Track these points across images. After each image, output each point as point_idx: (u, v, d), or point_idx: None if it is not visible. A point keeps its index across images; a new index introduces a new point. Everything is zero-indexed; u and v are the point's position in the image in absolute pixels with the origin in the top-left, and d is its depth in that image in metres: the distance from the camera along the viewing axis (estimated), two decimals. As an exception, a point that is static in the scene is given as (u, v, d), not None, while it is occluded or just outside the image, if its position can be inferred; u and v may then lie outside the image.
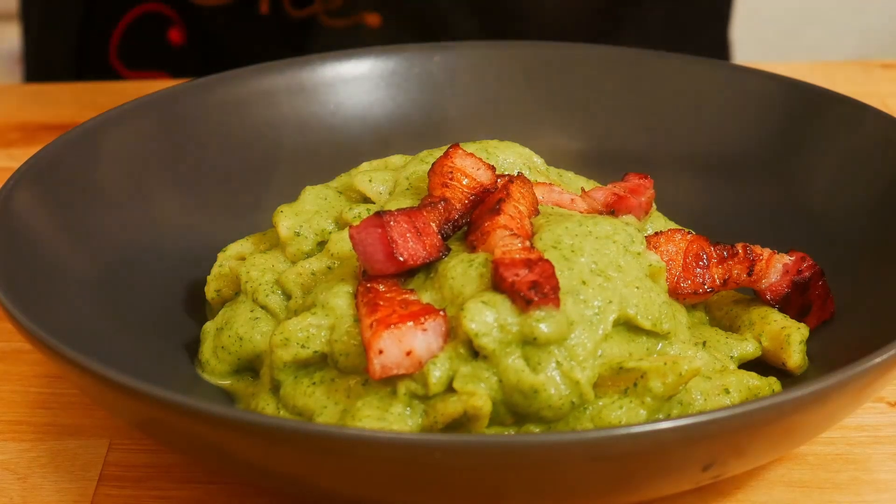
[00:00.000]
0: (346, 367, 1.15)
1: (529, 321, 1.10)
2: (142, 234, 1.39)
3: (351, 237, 1.17)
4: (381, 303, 1.13)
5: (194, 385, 1.25)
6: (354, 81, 1.59)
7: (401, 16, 2.08)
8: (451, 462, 0.97)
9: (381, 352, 1.09)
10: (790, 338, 1.23)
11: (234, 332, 1.26)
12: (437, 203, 1.22)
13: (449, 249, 1.18)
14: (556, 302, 1.11)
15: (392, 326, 1.10)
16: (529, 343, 1.10)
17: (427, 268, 1.18)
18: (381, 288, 1.16)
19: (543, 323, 1.10)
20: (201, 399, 1.03)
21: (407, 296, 1.15)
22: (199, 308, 1.35)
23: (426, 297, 1.16)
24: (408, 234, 1.17)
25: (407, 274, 1.18)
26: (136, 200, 1.42)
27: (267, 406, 1.19)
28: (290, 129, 1.56)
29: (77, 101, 1.98)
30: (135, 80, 2.12)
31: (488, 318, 1.10)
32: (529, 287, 1.10)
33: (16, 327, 1.11)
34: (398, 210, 1.18)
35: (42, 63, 2.28)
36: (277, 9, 2.08)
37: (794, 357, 1.23)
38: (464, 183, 1.24)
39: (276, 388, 1.20)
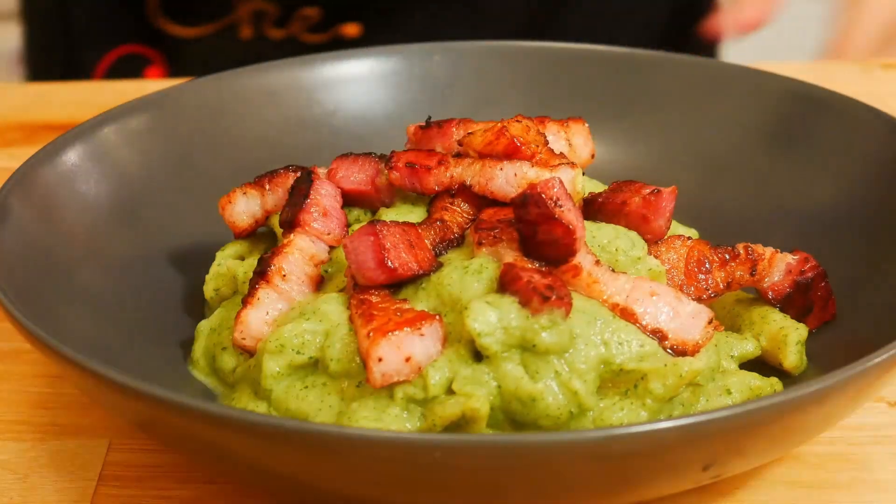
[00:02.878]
0: (338, 371, 1.15)
1: (533, 326, 1.10)
2: (142, 234, 1.39)
3: (344, 247, 1.18)
4: (376, 312, 1.13)
5: (187, 383, 1.25)
6: (354, 81, 1.60)
7: (379, 23, 2.09)
8: (451, 462, 0.97)
9: (380, 359, 1.09)
10: (787, 338, 1.23)
11: (227, 332, 1.25)
12: (435, 223, 1.23)
13: (441, 265, 1.18)
14: (569, 307, 1.11)
15: (390, 333, 1.10)
16: (529, 350, 1.10)
17: (416, 280, 1.18)
18: (374, 299, 1.16)
19: (546, 332, 1.10)
20: (195, 397, 1.03)
21: (400, 305, 1.15)
22: (199, 306, 1.36)
23: (420, 306, 1.16)
24: (400, 245, 1.17)
25: (396, 287, 1.18)
26: (135, 200, 1.42)
27: (257, 408, 1.19)
28: (290, 129, 1.56)
29: (77, 101, 1.98)
30: (134, 80, 2.12)
31: (491, 318, 1.10)
32: (546, 287, 1.10)
33: (16, 327, 1.11)
34: (392, 221, 1.19)
35: (41, 69, 2.30)
36: (258, 33, 2.10)
37: (791, 357, 1.23)
38: (463, 207, 1.25)
39: (257, 391, 1.19)
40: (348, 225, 1.29)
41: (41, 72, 2.32)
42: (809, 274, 1.27)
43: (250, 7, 2.07)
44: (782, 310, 1.27)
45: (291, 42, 2.11)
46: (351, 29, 2.09)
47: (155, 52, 2.17)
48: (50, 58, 2.28)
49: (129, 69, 2.18)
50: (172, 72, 2.20)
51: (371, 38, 2.10)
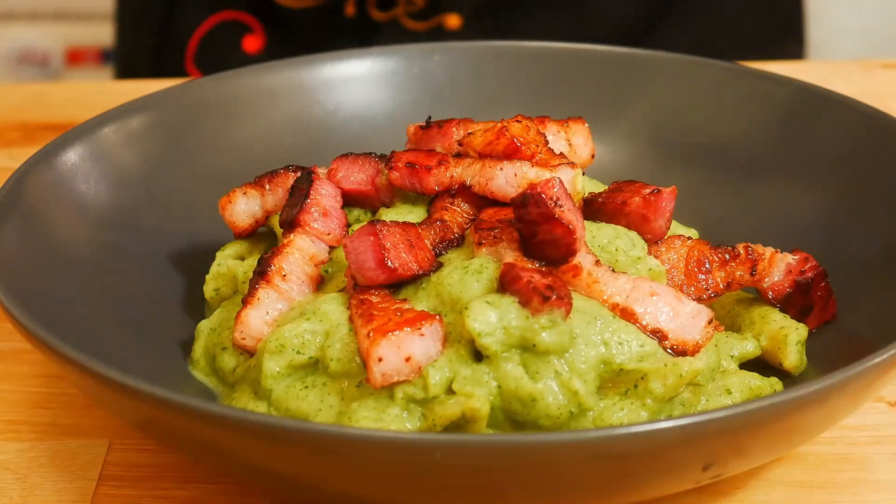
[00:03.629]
0: (338, 371, 1.15)
1: (533, 326, 1.10)
2: (142, 234, 1.39)
3: (344, 247, 1.18)
4: (376, 312, 1.13)
5: (187, 383, 1.25)
6: (354, 81, 1.60)
7: (481, 17, 2.09)
8: (451, 462, 0.97)
9: (380, 359, 1.09)
10: (787, 338, 1.23)
11: (227, 332, 1.25)
12: (435, 223, 1.23)
13: (441, 265, 1.19)
14: (570, 308, 1.11)
15: (390, 334, 1.10)
16: (529, 350, 1.10)
17: (416, 280, 1.18)
18: (374, 299, 1.16)
19: (546, 332, 1.10)
20: (195, 397, 1.03)
21: (400, 305, 1.15)
22: (199, 306, 1.36)
23: (420, 306, 1.16)
24: (400, 245, 1.17)
25: (396, 287, 1.18)
26: (135, 200, 1.42)
27: (257, 408, 1.19)
28: (290, 129, 1.56)
29: (77, 101, 1.98)
30: (135, 80, 2.12)
31: (491, 318, 1.10)
32: (546, 286, 1.10)
33: (16, 327, 1.11)
34: (392, 221, 1.19)
35: (126, 64, 2.31)
36: (362, 11, 2.10)
37: (791, 357, 1.23)
38: (463, 207, 1.25)
39: (257, 391, 1.20)
40: (348, 225, 1.29)
41: (131, 60, 2.30)
42: (809, 274, 1.27)
43: None
44: (782, 310, 1.27)
45: (393, 25, 2.11)
46: (452, 20, 2.09)
47: (255, 20, 2.16)
48: (144, 33, 2.27)
49: (226, 36, 2.17)
50: (271, 42, 2.18)
51: (470, 31, 2.10)
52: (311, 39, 2.12)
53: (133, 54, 2.30)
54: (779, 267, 1.27)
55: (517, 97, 1.59)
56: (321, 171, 1.32)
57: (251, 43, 2.15)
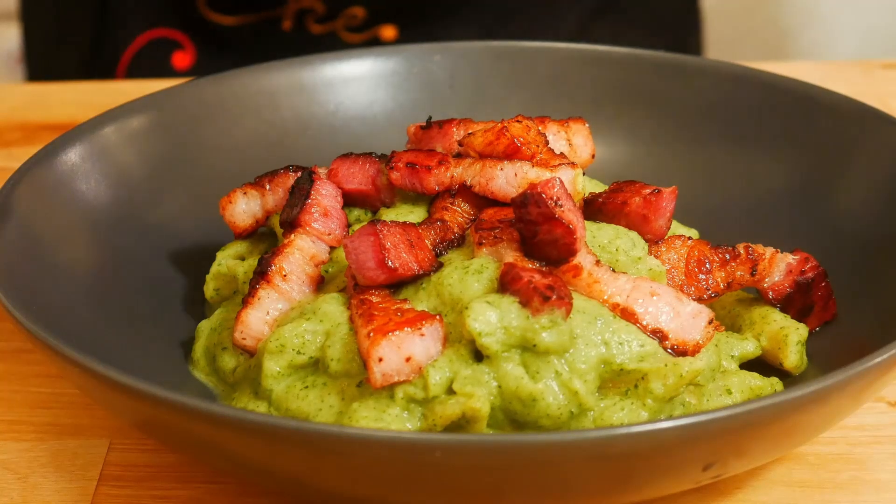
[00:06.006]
0: (338, 371, 1.15)
1: (533, 326, 1.10)
2: (142, 234, 1.39)
3: (344, 246, 1.18)
4: (376, 313, 1.13)
5: (187, 383, 1.25)
6: (354, 81, 1.60)
7: (416, 27, 2.10)
8: (451, 461, 0.97)
9: (380, 360, 1.09)
10: (788, 338, 1.23)
11: (227, 332, 1.25)
12: (435, 223, 1.23)
13: (441, 265, 1.19)
14: (570, 307, 1.11)
15: (390, 334, 1.10)
16: (529, 350, 1.10)
17: (416, 280, 1.18)
18: (375, 299, 1.16)
19: (547, 332, 1.10)
20: (195, 397, 1.03)
21: (400, 305, 1.15)
22: (199, 306, 1.36)
23: (420, 306, 1.16)
24: (400, 245, 1.17)
25: (396, 286, 1.18)
26: (136, 200, 1.42)
27: (257, 408, 1.19)
28: (290, 129, 1.56)
29: (77, 101, 1.98)
30: (134, 81, 2.12)
31: (492, 317, 1.10)
32: (547, 286, 1.10)
33: (16, 327, 1.11)
34: (392, 221, 1.19)
35: (47, 72, 2.30)
36: (299, 25, 2.10)
37: (791, 357, 1.23)
38: (463, 207, 1.25)
39: (257, 391, 1.20)
40: (349, 225, 1.29)
41: (47, 65, 2.30)
42: (810, 274, 1.27)
43: (299, 4, 2.08)
44: (783, 310, 1.27)
45: (330, 38, 2.12)
46: (388, 31, 2.10)
47: (185, 37, 2.16)
48: (59, 49, 2.27)
49: (156, 53, 2.17)
50: (202, 58, 2.18)
51: (405, 42, 2.11)
52: (243, 55, 2.12)
53: (56, 65, 2.29)
54: (779, 267, 1.27)
55: (517, 97, 1.59)
56: (321, 171, 1.32)
57: (181, 59, 2.16)
